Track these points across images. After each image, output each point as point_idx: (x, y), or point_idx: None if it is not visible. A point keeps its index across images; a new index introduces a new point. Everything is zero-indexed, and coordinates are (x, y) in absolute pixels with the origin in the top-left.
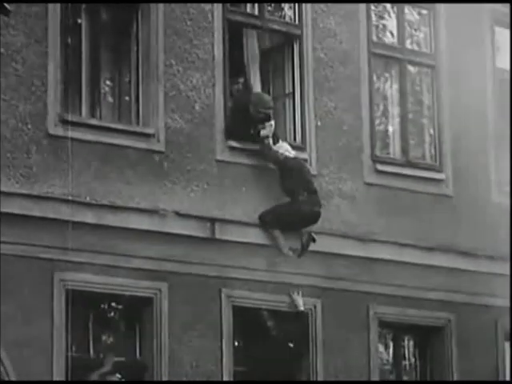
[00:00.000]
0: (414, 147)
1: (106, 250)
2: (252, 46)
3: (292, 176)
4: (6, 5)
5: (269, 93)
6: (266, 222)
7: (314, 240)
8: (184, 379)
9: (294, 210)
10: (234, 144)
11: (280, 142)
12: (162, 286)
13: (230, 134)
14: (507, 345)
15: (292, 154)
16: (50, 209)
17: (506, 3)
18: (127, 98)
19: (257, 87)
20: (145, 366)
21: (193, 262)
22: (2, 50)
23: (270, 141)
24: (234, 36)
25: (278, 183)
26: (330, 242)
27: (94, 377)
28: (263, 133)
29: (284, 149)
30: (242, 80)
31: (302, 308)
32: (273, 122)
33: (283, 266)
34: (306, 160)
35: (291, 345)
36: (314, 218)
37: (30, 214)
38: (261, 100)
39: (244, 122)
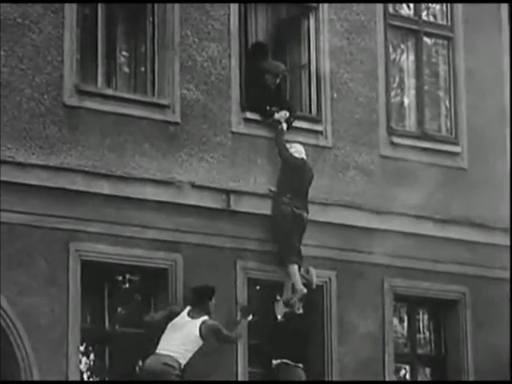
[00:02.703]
0: (429, 120)
1: (121, 221)
2: (267, 18)
3: (290, 175)
4: None
5: (285, 63)
6: (285, 258)
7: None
8: (198, 351)
9: (277, 210)
10: (249, 116)
11: (295, 144)
12: (177, 258)
13: (245, 105)
14: None
15: (301, 155)
16: (66, 180)
17: (506, 3)
18: (143, 69)
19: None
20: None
21: (208, 234)
22: (19, 20)
23: (284, 126)
24: (249, 7)
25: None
26: (344, 213)
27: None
28: (276, 116)
29: (294, 149)
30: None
31: (314, 285)
32: (287, 113)
33: None
34: (321, 132)
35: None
36: (297, 220)
37: (45, 185)
38: (275, 67)
39: (260, 93)
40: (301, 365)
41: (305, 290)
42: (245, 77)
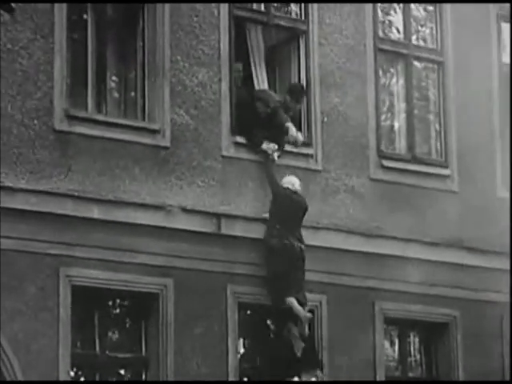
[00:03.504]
0: (419, 143)
1: (111, 246)
2: (258, 43)
3: (280, 207)
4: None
5: (275, 89)
6: (281, 291)
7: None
8: (190, 375)
9: (268, 245)
10: (239, 140)
11: (289, 176)
12: (168, 282)
13: (236, 129)
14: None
15: (294, 187)
16: (56, 204)
17: (506, 3)
18: (133, 94)
19: (263, 83)
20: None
21: (199, 258)
22: (9, 46)
23: (275, 156)
24: (240, 32)
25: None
26: (335, 237)
27: None
28: (264, 147)
29: (288, 181)
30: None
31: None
32: (275, 145)
33: None
34: (311, 156)
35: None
36: (290, 252)
37: (35, 210)
38: (269, 96)
39: (250, 119)
40: None
41: (309, 315)
42: (235, 102)
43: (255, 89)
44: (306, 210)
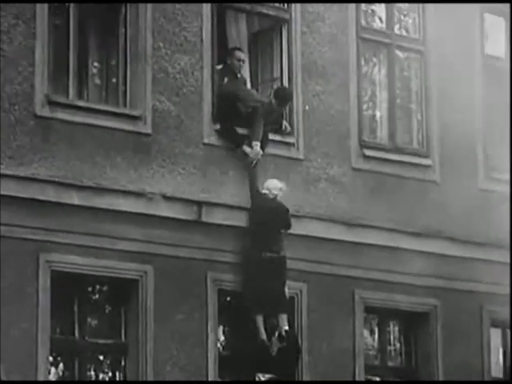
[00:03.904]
0: (401, 133)
1: (91, 232)
2: (240, 30)
3: (257, 214)
4: None
5: (257, 78)
6: (251, 308)
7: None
8: (169, 362)
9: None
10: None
11: (271, 180)
12: (148, 269)
13: (216, 118)
14: (492, 331)
15: (274, 192)
16: (36, 190)
17: (506, 3)
18: (114, 80)
19: (245, 71)
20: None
21: (179, 245)
22: None
23: (258, 157)
24: (222, 19)
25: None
26: (316, 226)
27: None
28: (247, 150)
29: (268, 185)
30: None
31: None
32: (258, 147)
33: None
34: (293, 144)
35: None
36: (266, 265)
37: (15, 195)
38: (250, 95)
39: (230, 116)
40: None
41: (286, 327)
42: (217, 101)
43: (236, 88)
44: (285, 217)
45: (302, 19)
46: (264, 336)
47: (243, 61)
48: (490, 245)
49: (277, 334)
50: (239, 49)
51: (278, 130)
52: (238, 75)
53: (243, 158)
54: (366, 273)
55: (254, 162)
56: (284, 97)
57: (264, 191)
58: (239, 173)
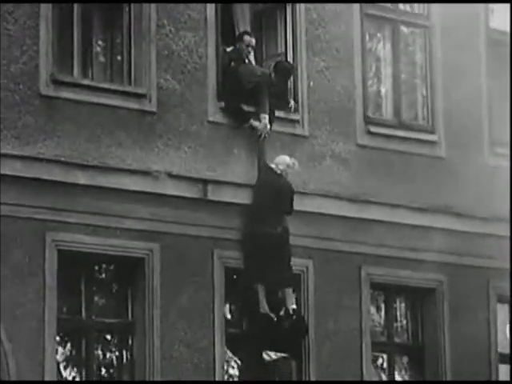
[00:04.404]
0: (406, 108)
1: (97, 211)
2: (244, 8)
3: (263, 189)
4: None
5: (261, 54)
6: (251, 277)
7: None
8: (176, 341)
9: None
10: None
11: (281, 156)
12: (154, 247)
13: (222, 96)
14: (499, 306)
15: (281, 167)
16: (42, 170)
17: (506, 3)
18: (119, 58)
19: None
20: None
21: (185, 223)
22: None
23: (267, 129)
24: None
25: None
26: (322, 202)
27: None
28: (254, 124)
29: (277, 161)
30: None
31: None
32: (266, 119)
33: None
34: (298, 121)
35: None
36: (269, 240)
37: (21, 175)
38: (251, 70)
39: (235, 93)
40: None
41: (293, 306)
42: (222, 80)
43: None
44: (292, 194)
45: None
46: (266, 309)
47: (252, 46)
48: (496, 220)
49: (284, 309)
50: (249, 34)
51: (284, 107)
52: (246, 60)
53: (250, 135)
54: (371, 249)
55: (263, 135)
56: (283, 71)
57: (271, 165)
58: (244, 150)
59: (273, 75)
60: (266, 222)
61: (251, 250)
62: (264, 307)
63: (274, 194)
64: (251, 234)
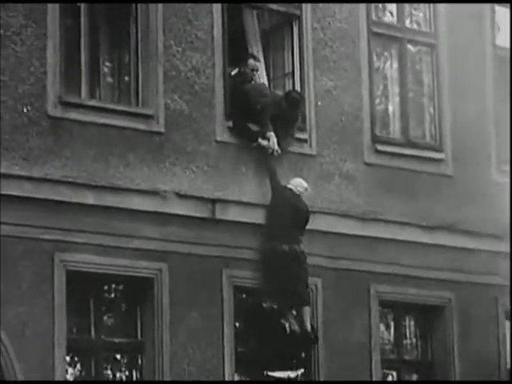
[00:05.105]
0: (413, 127)
1: (106, 231)
2: (252, 27)
3: (278, 206)
4: None
5: (268, 74)
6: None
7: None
8: (185, 360)
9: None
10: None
11: (295, 178)
12: (163, 267)
13: (229, 115)
14: (508, 323)
15: (297, 189)
16: (50, 190)
17: (506, 3)
18: (127, 79)
19: (261, 67)
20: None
21: (193, 243)
22: (1, 32)
23: (276, 149)
24: (233, 16)
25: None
26: (330, 221)
27: None
28: (263, 143)
29: (292, 183)
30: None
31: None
32: (273, 137)
33: None
34: (305, 141)
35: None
36: (286, 257)
37: (29, 196)
38: (259, 92)
39: (243, 113)
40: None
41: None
42: (229, 99)
43: (247, 80)
44: (307, 215)
45: (313, 15)
46: (296, 326)
47: (257, 70)
48: (504, 237)
49: (309, 326)
50: (254, 57)
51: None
52: (252, 82)
53: (258, 154)
54: (380, 267)
55: (271, 152)
56: (293, 101)
57: (290, 186)
58: (252, 170)
59: (283, 103)
60: (285, 239)
61: (270, 268)
62: (294, 325)
63: (293, 213)
64: (270, 252)
